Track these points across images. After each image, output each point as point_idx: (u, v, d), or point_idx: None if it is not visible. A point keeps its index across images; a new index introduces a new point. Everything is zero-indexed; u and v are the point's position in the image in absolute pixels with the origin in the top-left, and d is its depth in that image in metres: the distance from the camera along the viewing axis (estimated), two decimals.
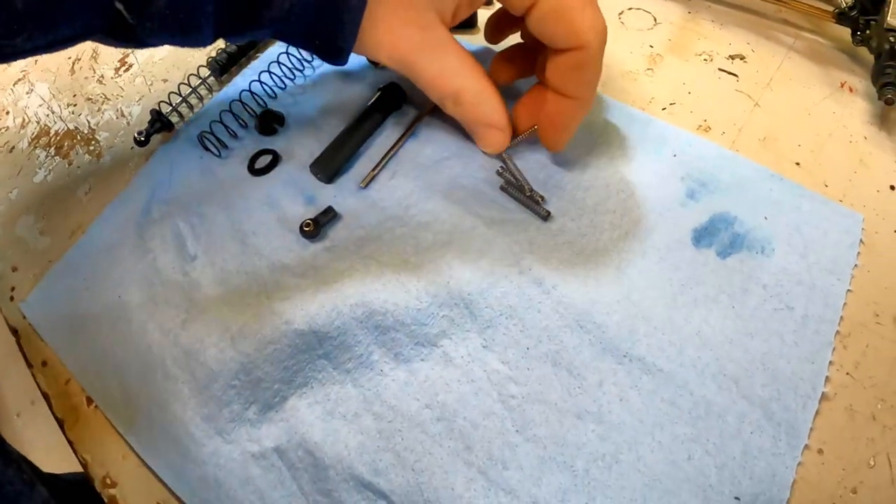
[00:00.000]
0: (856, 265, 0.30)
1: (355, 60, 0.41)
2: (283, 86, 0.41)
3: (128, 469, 0.31)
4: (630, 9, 0.43)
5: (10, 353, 0.38)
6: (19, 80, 0.48)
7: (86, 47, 0.48)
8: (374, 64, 0.41)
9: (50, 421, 0.33)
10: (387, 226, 0.33)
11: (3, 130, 0.45)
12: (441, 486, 0.27)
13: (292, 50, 0.41)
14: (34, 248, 0.38)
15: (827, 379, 0.27)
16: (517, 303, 0.30)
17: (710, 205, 0.32)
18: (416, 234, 0.33)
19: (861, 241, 0.31)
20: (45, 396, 0.34)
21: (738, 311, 0.29)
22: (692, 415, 0.27)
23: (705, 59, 0.39)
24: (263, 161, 0.37)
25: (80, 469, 0.32)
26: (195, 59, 0.45)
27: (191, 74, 0.42)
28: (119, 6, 0.26)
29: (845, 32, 0.38)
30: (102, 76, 0.46)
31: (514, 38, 0.36)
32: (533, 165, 0.34)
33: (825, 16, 0.38)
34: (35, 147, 0.43)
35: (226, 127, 0.39)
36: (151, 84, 0.45)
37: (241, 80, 0.42)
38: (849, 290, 0.29)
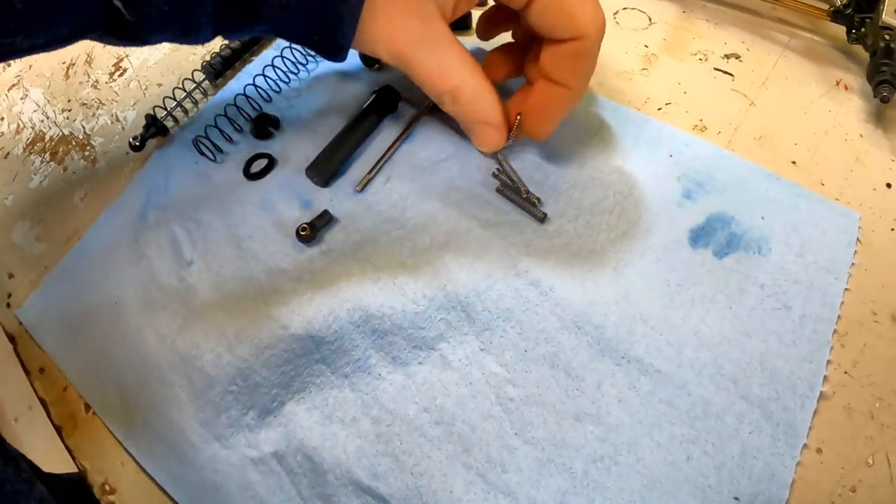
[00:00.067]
0: (853, 264, 0.30)
1: (350, 62, 0.41)
2: (278, 89, 0.41)
3: (127, 475, 0.31)
4: (625, 9, 0.43)
5: (8, 359, 0.38)
6: (14, 85, 0.48)
7: (80, 52, 0.48)
8: (370, 66, 0.41)
9: (48, 425, 0.33)
10: (383, 229, 0.33)
11: None
12: (440, 490, 0.27)
13: (287, 53, 0.41)
14: (30, 255, 0.38)
15: (825, 378, 0.27)
16: (514, 305, 0.30)
17: (706, 205, 0.32)
18: (413, 237, 0.32)
19: (858, 239, 0.31)
20: (43, 403, 0.34)
21: (736, 311, 0.29)
22: (690, 415, 0.27)
23: (700, 59, 0.39)
24: (259, 165, 0.37)
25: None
26: (190, 63, 0.45)
27: (185, 79, 0.42)
28: (118, 3, 0.26)
29: (840, 31, 0.38)
30: (97, 81, 0.46)
31: (504, 38, 0.36)
32: (529, 167, 0.34)
33: (820, 14, 0.38)
34: (30, 153, 0.43)
35: (221, 131, 0.39)
36: (146, 88, 0.45)
37: (236, 84, 0.42)
38: (846, 288, 0.29)
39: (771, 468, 0.26)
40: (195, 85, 0.42)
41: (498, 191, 0.33)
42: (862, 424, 0.27)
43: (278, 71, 0.41)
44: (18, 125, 0.45)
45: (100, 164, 0.41)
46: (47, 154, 0.43)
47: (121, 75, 0.46)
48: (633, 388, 0.28)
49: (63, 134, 0.44)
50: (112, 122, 0.43)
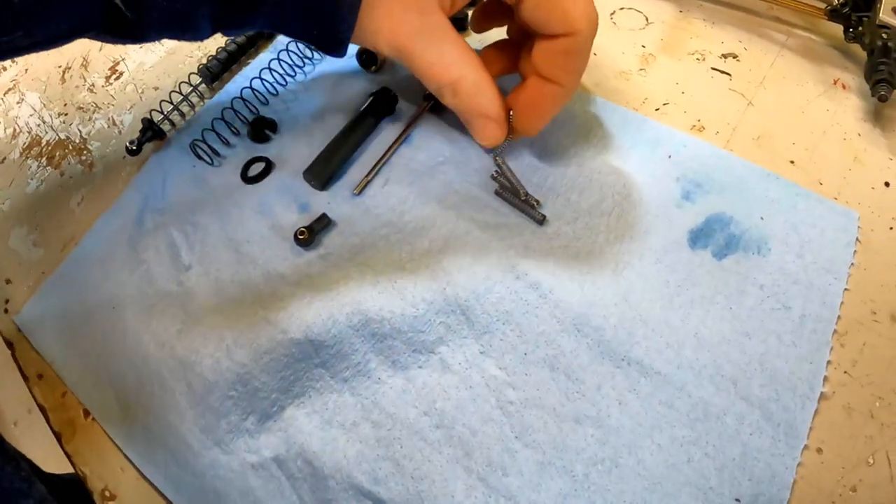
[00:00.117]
0: (852, 263, 0.30)
1: (348, 64, 0.41)
2: (275, 92, 0.41)
3: (126, 481, 0.31)
4: (622, 9, 0.43)
5: (6, 365, 0.38)
6: (10, 89, 0.48)
7: (76, 55, 0.48)
8: (367, 68, 0.40)
9: (47, 428, 0.33)
10: (381, 232, 0.33)
11: None
12: (441, 494, 0.27)
13: (284, 56, 0.41)
14: (28, 260, 0.38)
15: (825, 378, 0.27)
16: (514, 308, 0.29)
17: (705, 206, 0.32)
18: (411, 241, 0.32)
19: (857, 238, 0.31)
20: (42, 409, 0.34)
21: (736, 311, 0.29)
22: (691, 417, 0.27)
23: (698, 59, 0.39)
24: (256, 169, 0.37)
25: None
26: (186, 66, 0.45)
27: (182, 82, 0.42)
28: (117, 0, 0.26)
29: (838, 29, 0.38)
30: (93, 85, 0.46)
31: (499, 34, 0.36)
32: (526, 168, 0.34)
33: (817, 13, 0.38)
34: (27, 157, 0.43)
35: (218, 135, 0.39)
36: (142, 92, 0.44)
37: (233, 87, 0.42)
38: (846, 288, 0.29)
39: (772, 469, 0.26)
40: (192, 88, 0.42)
41: (497, 193, 0.33)
42: (862, 424, 0.27)
43: (275, 74, 0.41)
44: (15, 129, 0.45)
45: (97, 168, 0.41)
46: (44, 158, 0.43)
47: (117, 79, 0.46)
48: (634, 390, 0.28)
49: (59, 138, 0.43)
50: (109, 126, 0.43)
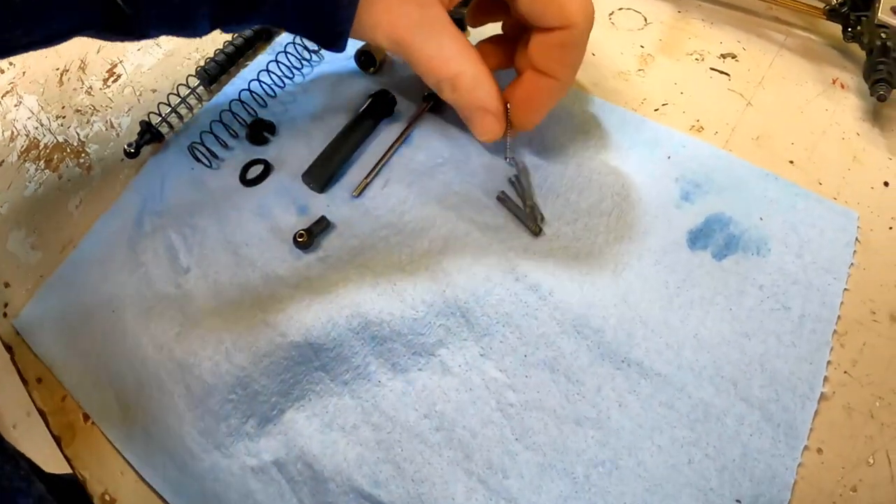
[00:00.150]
0: (852, 263, 0.30)
1: (346, 65, 0.41)
2: (273, 94, 0.41)
3: (126, 485, 0.31)
4: (620, 9, 0.42)
5: (5, 368, 0.37)
6: (7, 92, 0.48)
7: (74, 58, 0.48)
8: (365, 69, 0.40)
9: (47, 431, 0.33)
10: (381, 234, 0.33)
11: None
12: (441, 497, 0.27)
13: (282, 57, 0.41)
14: (26, 263, 0.38)
15: (825, 378, 0.27)
16: (513, 310, 0.29)
17: (704, 206, 0.32)
18: (411, 242, 0.32)
19: (856, 238, 0.31)
20: (41, 413, 0.34)
21: (735, 312, 0.29)
22: (691, 418, 0.27)
23: (697, 59, 0.39)
24: (255, 171, 0.37)
25: None
26: (184, 68, 0.45)
27: (180, 84, 0.42)
28: None
29: (836, 29, 0.38)
30: (91, 87, 0.46)
31: (494, 30, 0.35)
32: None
33: (816, 12, 0.38)
34: (24, 160, 0.43)
35: (216, 137, 0.38)
36: (140, 94, 0.44)
37: (231, 89, 0.42)
38: (845, 288, 0.29)
39: (772, 470, 0.26)
40: (190, 90, 0.42)
41: (499, 199, 0.33)
42: (862, 424, 0.27)
43: (273, 76, 0.40)
44: (13, 132, 0.45)
45: (95, 171, 0.41)
46: (42, 161, 0.43)
47: (115, 81, 0.46)
48: (634, 391, 0.28)
49: (57, 141, 0.43)
50: (106, 129, 0.43)
